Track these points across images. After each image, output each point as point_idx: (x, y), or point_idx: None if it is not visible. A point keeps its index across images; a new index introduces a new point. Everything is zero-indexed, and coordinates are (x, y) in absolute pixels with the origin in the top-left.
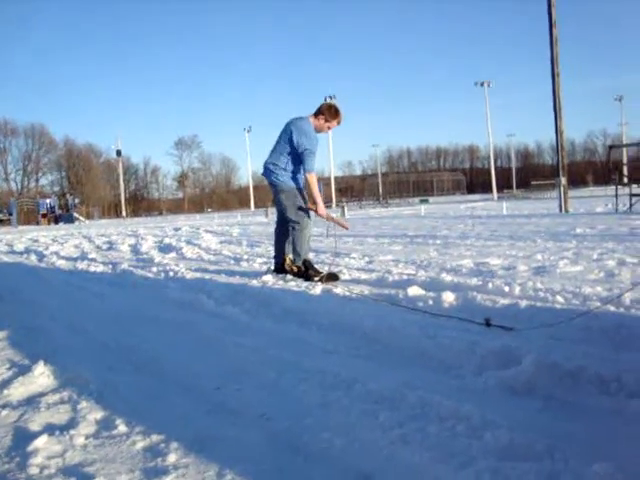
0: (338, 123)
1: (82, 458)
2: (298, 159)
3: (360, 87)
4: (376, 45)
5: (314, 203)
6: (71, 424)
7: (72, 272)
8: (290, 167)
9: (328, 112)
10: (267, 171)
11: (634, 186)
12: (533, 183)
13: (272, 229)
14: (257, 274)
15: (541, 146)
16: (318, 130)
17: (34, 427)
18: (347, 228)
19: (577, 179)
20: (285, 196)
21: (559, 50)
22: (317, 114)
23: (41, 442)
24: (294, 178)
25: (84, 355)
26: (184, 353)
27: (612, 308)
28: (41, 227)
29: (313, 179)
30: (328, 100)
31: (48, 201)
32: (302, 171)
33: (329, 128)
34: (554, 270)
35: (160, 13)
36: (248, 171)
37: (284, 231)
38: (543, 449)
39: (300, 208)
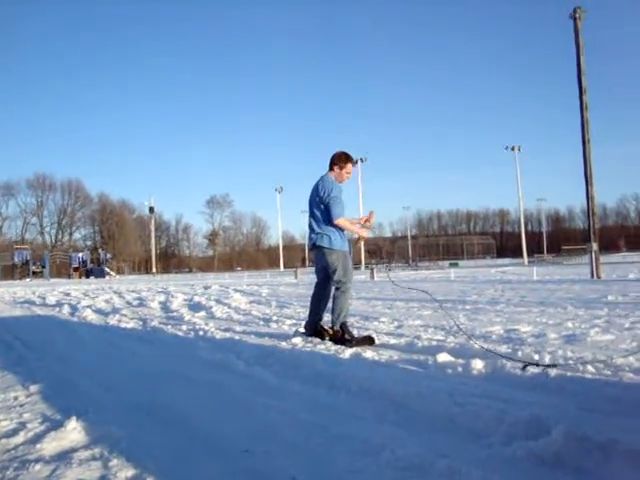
0: (353, 165)
1: None
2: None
3: (391, 149)
4: (408, 108)
5: (358, 238)
6: None
7: (103, 327)
8: (338, 229)
9: (339, 160)
10: (315, 238)
11: None
12: (564, 248)
13: (301, 290)
14: (286, 336)
15: (572, 210)
16: (339, 180)
17: None
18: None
19: (609, 244)
20: (336, 256)
21: (589, 116)
22: (331, 167)
23: None
24: (344, 240)
25: (115, 411)
26: (213, 413)
27: None
28: (72, 280)
29: (343, 221)
30: (359, 161)
31: (80, 255)
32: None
33: (348, 174)
34: (585, 338)
35: (192, 73)
36: (278, 231)
37: (324, 295)
38: None
39: (348, 270)
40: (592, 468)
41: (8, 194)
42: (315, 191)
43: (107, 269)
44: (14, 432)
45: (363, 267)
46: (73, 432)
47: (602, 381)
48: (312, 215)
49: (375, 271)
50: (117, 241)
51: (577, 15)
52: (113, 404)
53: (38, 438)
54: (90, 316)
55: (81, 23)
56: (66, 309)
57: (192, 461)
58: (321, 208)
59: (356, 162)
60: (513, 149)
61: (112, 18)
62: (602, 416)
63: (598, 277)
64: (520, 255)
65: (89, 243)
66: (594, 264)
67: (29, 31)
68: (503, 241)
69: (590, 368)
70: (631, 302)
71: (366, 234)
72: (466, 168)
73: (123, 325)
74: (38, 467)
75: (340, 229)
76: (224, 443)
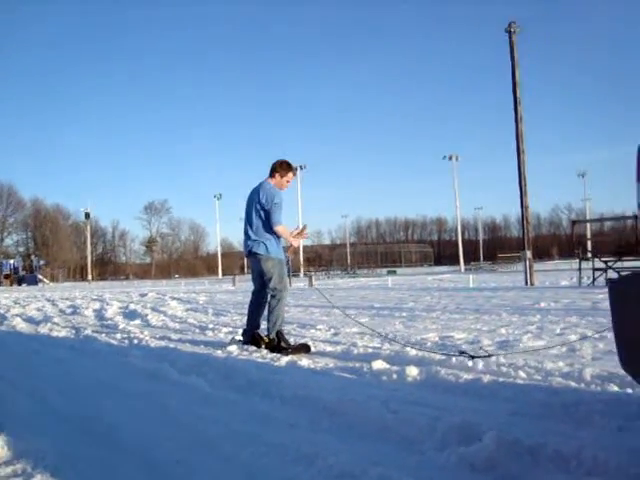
0: (294, 175)
1: None
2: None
3: (330, 157)
4: (346, 116)
5: (289, 247)
6: None
7: (33, 336)
8: (275, 236)
9: (281, 168)
10: (252, 245)
11: (597, 260)
12: (500, 255)
13: (239, 297)
14: (222, 344)
15: (508, 219)
16: (279, 187)
17: None
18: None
19: (543, 252)
20: (272, 264)
21: (524, 128)
22: (272, 174)
23: None
24: (280, 248)
25: (42, 424)
26: (145, 424)
27: (573, 384)
28: (3, 288)
29: (282, 229)
30: (298, 168)
31: (12, 262)
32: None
33: (288, 182)
34: (517, 344)
35: (127, 74)
36: (217, 238)
37: (261, 302)
38: None
39: (284, 277)
40: (522, 472)
41: None
42: (255, 197)
43: (40, 276)
44: None
45: (302, 274)
46: None
47: (532, 386)
48: (249, 221)
49: (314, 278)
50: (51, 247)
51: (512, 29)
52: (39, 416)
53: None
54: (20, 325)
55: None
56: None
57: (120, 474)
58: (260, 215)
59: (296, 170)
60: (451, 158)
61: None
62: (532, 420)
63: (532, 284)
64: (457, 263)
65: (21, 249)
66: (528, 272)
67: None
68: (441, 249)
69: (522, 373)
70: (562, 309)
71: (297, 244)
72: (404, 177)
73: (54, 334)
74: None
75: (277, 236)
76: (155, 454)
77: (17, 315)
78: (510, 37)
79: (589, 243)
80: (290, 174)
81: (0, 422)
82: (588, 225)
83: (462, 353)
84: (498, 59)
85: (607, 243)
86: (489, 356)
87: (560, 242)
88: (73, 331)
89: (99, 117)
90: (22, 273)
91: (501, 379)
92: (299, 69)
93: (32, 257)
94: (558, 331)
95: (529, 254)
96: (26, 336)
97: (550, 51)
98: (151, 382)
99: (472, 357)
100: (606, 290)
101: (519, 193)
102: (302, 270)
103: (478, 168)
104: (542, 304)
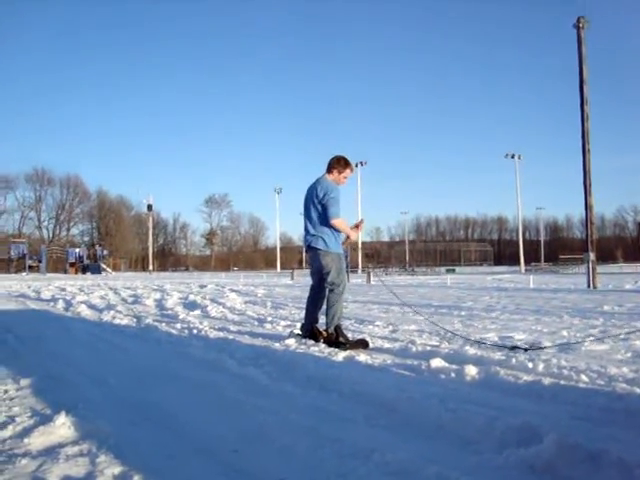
0: (351, 171)
1: None
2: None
3: (391, 154)
4: (409, 113)
5: (347, 239)
6: (88, 478)
7: (97, 324)
8: (333, 231)
9: (338, 164)
10: (310, 240)
11: None
12: (561, 257)
13: (297, 292)
14: (280, 337)
15: (571, 220)
16: (336, 183)
17: (51, 479)
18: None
19: (606, 255)
20: (330, 258)
21: (590, 126)
22: (329, 170)
23: None
24: (338, 243)
25: (105, 408)
26: (203, 413)
27: (638, 390)
28: (68, 276)
29: (340, 223)
30: (358, 165)
31: (77, 250)
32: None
33: (345, 178)
34: (579, 348)
35: (194, 72)
36: (276, 232)
37: (320, 297)
38: None
39: (342, 272)
40: (583, 477)
41: (6, 187)
42: (313, 192)
43: (103, 265)
44: (2, 426)
45: (360, 270)
46: (62, 427)
47: (595, 390)
48: (308, 216)
49: (372, 275)
50: (114, 238)
51: (580, 24)
52: (103, 400)
53: (26, 432)
54: (84, 312)
55: (82, 20)
56: (61, 304)
57: (180, 460)
58: (318, 209)
59: (355, 167)
60: (513, 157)
61: (118, 15)
62: (594, 425)
63: (594, 287)
64: (517, 263)
65: (86, 239)
66: (591, 274)
67: (29, 25)
68: (501, 248)
69: (584, 377)
70: (627, 313)
71: (355, 237)
72: (465, 174)
73: (117, 322)
74: (25, 462)
75: (335, 231)
76: (213, 443)
77: (82, 302)
78: (578, 32)
79: None
80: (347, 170)
81: (67, 404)
82: None
83: (514, 348)
84: (563, 56)
85: None
86: (542, 348)
87: (625, 244)
88: (135, 320)
89: (165, 112)
90: (86, 262)
91: (562, 382)
92: (364, 64)
93: (96, 247)
94: (622, 336)
95: (592, 256)
96: (90, 323)
97: (616, 45)
98: (210, 372)
99: (526, 350)
100: None
101: (583, 193)
102: (360, 266)
103: (541, 167)
104: (605, 307)
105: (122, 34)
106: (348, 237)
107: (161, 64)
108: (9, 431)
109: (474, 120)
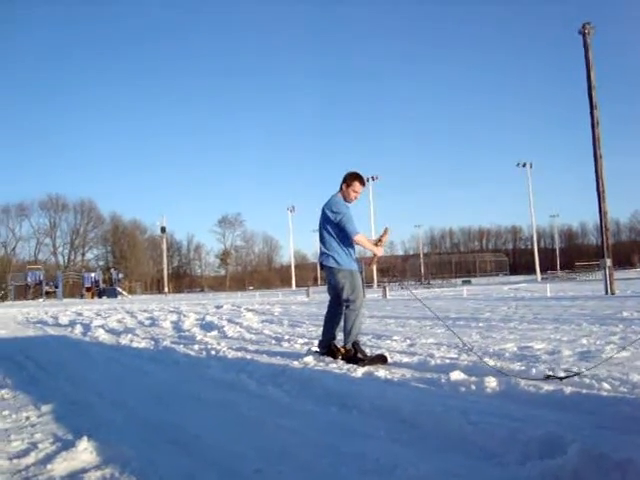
0: (362, 184)
1: None
2: (346, 237)
3: (403, 167)
4: (420, 126)
5: (373, 257)
6: None
7: (115, 347)
8: (344, 248)
9: (347, 178)
10: (322, 258)
11: None
12: (577, 264)
13: (313, 309)
14: (298, 355)
15: (585, 226)
16: (346, 199)
17: None
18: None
19: (623, 260)
20: (342, 275)
21: (601, 132)
22: (341, 187)
23: None
24: (351, 259)
25: (126, 432)
26: (225, 433)
27: None
28: (85, 300)
29: (361, 238)
30: (370, 179)
31: (93, 275)
32: (350, 241)
33: (355, 192)
34: (600, 355)
35: (205, 92)
36: (290, 250)
37: (336, 314)
38: None
39: (357, 288)
40: None
41: (22, 215)
42: (323, 211)
43: (119, 289)
44: (25, 452)
45: (375, 285)
46: (84, 452)
47: (618, 398)
48: (320, 235)
49: (387, 289)
50: (129, 261)
51: (586, 31)
52: (124, 423)
53: (49, 458)
54: (102, 336)
55: (98, 41)
56: (78, 329)
57: None
58: (327, 228)
59: (367, 181)
60: (524, 165)
61: (135, 35)
62: (619, 434)
63: (612, 293)
64: (533, 272)
65: (101, 263)
66: (608, 280)
67: (37, 47)
68: (516, 258)
69: (606, 385)
70: None
71: (381, 253)
72: (478, 185)
73: (135, 345)
74: None
75: (347, 247)
76: (235, 463)
77: (99, 326)
78: (584, 38)
79: None
80: (356, 184)
81: (88, 429)
82: None
83: (550, 377)
84: (575, 62)
85: None
86: (578, 374)
87: None
88: (152, 342)
89: (175, 133)
90: (102, 286)
91: (584, 391)
92: (371, 78)
93: (111, 270)
94: None
95: (609, 262)
96: (108, 347)
97: (622, 49)
98: (230, 392)
99: (561, 379)
100: None
101: (597, 199)
102: (375, 281)
103: (553, 174)
104: (625, 313)
105: (135, 55)
106: (375, 254)
107: (174, 86)
108: (32, 458)
109: (484, 130)
